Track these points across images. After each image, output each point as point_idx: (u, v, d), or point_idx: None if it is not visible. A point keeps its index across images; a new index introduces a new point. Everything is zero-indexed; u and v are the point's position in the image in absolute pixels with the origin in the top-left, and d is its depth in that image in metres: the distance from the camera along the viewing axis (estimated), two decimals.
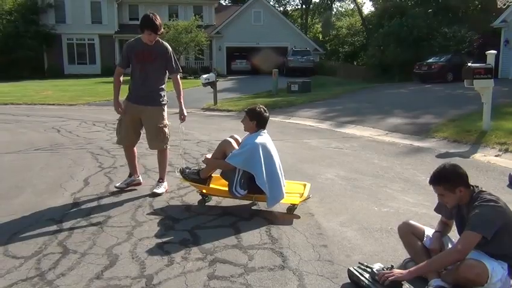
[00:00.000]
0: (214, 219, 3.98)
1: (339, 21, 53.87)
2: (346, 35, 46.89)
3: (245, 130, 4.22)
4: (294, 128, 9.81)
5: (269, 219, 3.97)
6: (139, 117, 4.65)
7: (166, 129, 4.68)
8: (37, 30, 31.53)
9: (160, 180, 4.83)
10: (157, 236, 3.58)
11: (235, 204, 4.32)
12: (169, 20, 31.59)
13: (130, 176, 4.96)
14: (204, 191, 4.31)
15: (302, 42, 34.31)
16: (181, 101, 4.67)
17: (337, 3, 63.51)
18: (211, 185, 4.35)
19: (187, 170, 4.35)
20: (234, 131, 4.71)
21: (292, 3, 68.03)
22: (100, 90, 20.63)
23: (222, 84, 21.46)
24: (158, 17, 4.49)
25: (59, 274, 2.96)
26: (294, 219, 3.95)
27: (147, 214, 4.09)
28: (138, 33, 4.58)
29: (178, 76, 4.66)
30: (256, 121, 4.11)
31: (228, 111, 13.42)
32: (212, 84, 14.01)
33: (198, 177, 4.26)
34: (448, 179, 2.80)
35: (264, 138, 4.07)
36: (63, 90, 20.62)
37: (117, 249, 3.32)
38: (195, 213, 4.11)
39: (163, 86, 4.67)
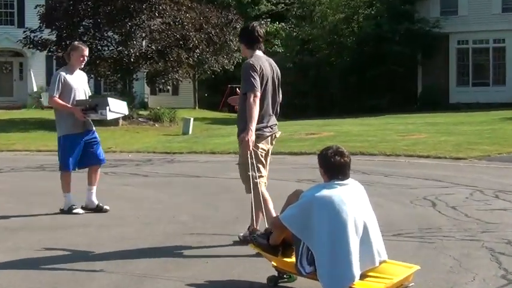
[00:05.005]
0: None
1: None
2: None
3: None
4: None
5: None
6: None
7: (244, 167, 4.65)
8: (410, 29, 28.04)
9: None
10: None
11: None
12: None
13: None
14: (274, 263, 3.79)
15: None
16: (247, 121, 4.60)
17: None
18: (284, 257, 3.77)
19: (258, 232, 4.06)
20: None
21: None
22: (510, 134, 15.13)
23: None
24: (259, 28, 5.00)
25: None
26: None
27: None
28: None
29: (250, 95, 4.64)
30: (323, 168, 3.65)
31: None
32: None
33: (266, 243, 3.87)
34: None
35: (334, 191, 3.51)
36: (444, 132, 15.85)
37: None
38: None
39: (241, 111, 4.86)
